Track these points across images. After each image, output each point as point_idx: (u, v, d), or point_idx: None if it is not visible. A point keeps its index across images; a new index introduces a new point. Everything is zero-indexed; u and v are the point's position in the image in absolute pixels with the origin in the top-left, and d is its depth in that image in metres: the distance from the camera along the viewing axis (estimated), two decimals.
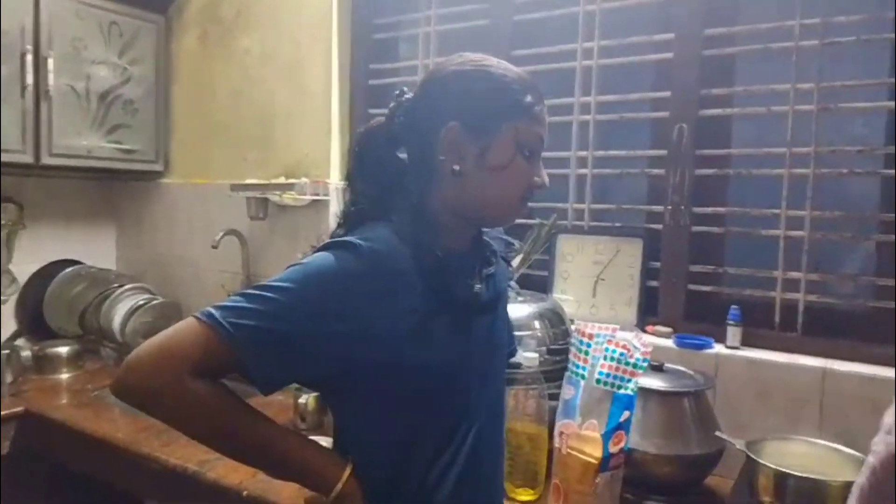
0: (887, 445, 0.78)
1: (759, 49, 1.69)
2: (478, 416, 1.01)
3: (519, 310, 1.60)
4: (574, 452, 1.23)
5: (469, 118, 0.94)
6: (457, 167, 0.95)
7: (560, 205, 1.96)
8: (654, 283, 1.83)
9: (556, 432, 1.29)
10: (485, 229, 1.08)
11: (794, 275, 1.64)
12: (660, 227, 1.81)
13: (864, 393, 1.46)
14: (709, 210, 1.76)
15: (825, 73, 1.60)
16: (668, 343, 1.70)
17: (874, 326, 1.56)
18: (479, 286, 1.02)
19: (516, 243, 1.19)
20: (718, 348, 1.66)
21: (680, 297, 1.79)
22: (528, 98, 0.96)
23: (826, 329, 1.61)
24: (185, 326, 0.87)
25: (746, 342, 1.65)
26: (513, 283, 1.72)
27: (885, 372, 1.47)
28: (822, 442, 1.39)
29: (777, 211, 1.66)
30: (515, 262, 1.80)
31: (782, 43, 1.65)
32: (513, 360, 1.29)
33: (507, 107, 0.95)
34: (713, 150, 1.76)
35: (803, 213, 1.63)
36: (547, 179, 1.00)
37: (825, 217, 1.62)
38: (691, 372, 1.52)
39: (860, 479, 0.82)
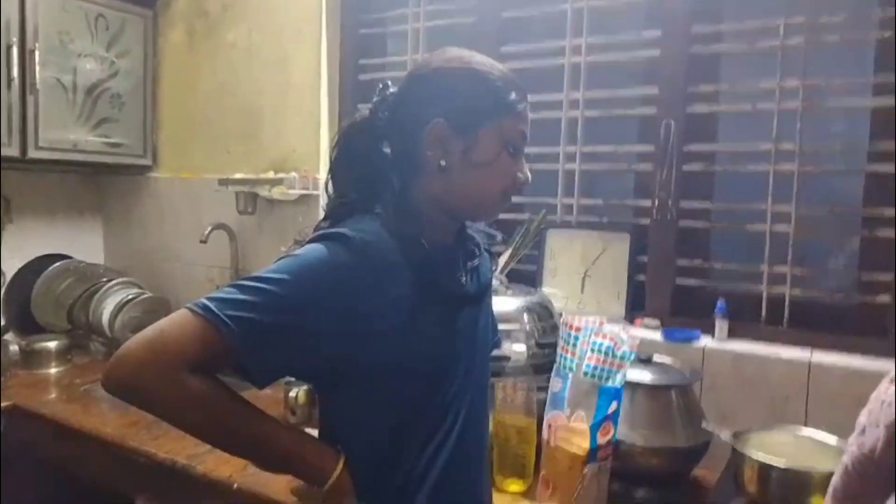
0: (859, 446, 0.79)
1: (745, 47, 1.71)
2: (463, 406, 1.02)
3: (508, 303, 1.61)
4: (562, 444, 1.24)
5: (454, 115, 0.95)
6: (443, 162, 0.96)
7: (549, 200, 1.97)
8: (641, 278, 1.84)
9: (544, 424, 1.29)
10: (468, 223, 1.09)
11: (780, 269, 1.67)
12: (647, 221, 1.83)
13: (849, 385, 1.48)
14: (695, 205, 1.78)
15: (810, 72, 1.62)
16: (656, 336, 1.72)
17: (858, 319, 1.59)
18: (465, 278, 1.03)
19: (499, 235, 1.20)
20: (706, 341, 1.68)
21: (667, 291, 1.81)
22: (513, 96, 0.97)
23: (811, 322, 1.64)
24: (179, 318, 0.85)
25: (733, 335, 1.67)
26: (500, 277, 1.73)
27: (870, 364, 1.50)
28: (808, 430, 1.40)
29: (763, 206, 1.68)
30: (504, 256, 1.80)
31: (768, 41, 1.67)
32: (502, 353, 1.30)
33: (492, 104, 0.96)
34: (700, 146, 1.77)
35: (788, 208, 1.65)
36: (529, 175, 1.02)
37: (810, 213, 1.64)
38: (679, 365, 1.53)
39: (835, 478, 0.83)
